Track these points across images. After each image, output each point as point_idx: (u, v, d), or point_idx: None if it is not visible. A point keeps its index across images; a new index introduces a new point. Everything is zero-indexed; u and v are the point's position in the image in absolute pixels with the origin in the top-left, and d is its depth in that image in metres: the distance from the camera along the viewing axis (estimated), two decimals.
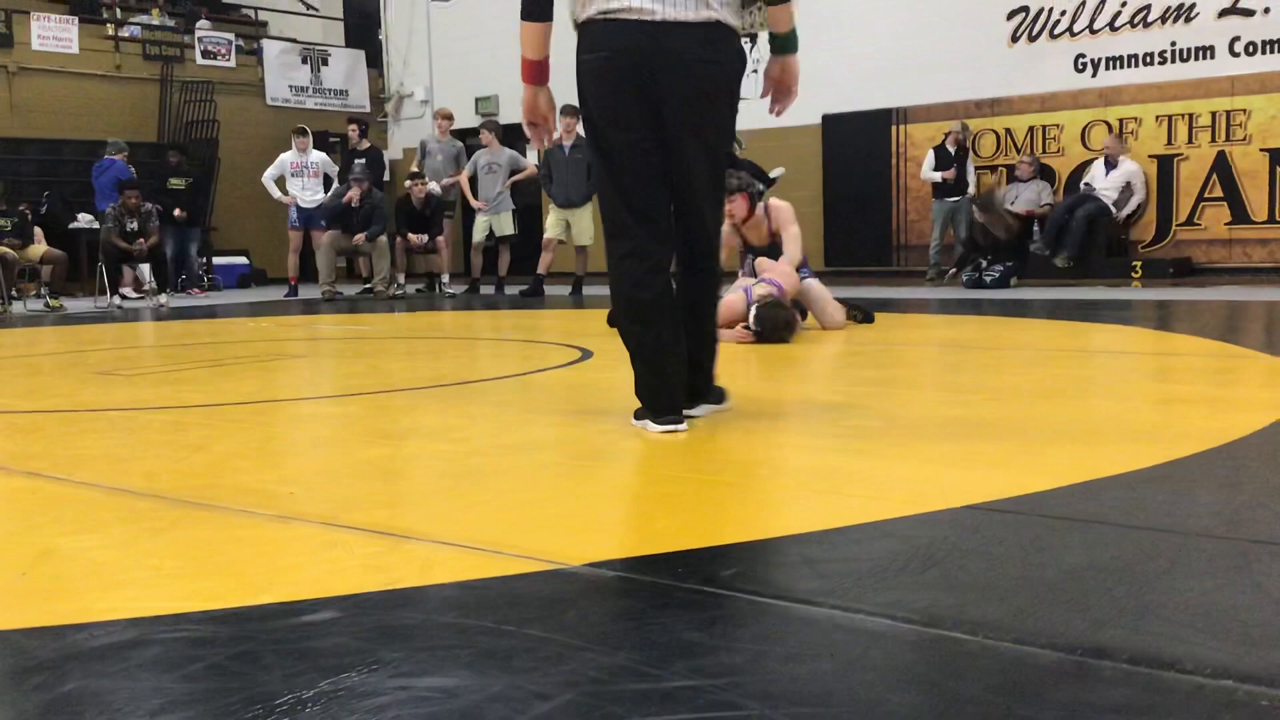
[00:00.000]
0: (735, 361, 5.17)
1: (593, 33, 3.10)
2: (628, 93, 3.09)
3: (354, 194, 11.83)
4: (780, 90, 3.30)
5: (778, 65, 3.27)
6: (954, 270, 11.74)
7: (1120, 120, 11.55)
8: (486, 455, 3.00)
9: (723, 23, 3.08)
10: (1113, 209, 11.21)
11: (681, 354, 3.22)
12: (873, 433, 3.20)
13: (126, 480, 2.68)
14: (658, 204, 3.19)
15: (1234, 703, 1.28)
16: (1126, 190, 11.25)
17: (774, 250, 6.48)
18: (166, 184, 13.50)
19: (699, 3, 3.05)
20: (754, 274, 6.31)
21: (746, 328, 5.82)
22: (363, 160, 12.56)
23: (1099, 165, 11.40)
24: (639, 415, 3.21)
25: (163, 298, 11.58)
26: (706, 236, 3.29)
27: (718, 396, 3.45)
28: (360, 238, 11.85)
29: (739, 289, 6.12)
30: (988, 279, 11.05)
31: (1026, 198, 11.68)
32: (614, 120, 3.14)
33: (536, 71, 3.23)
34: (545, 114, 3.27)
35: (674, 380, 3.20)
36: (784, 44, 3.26)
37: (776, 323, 5.82)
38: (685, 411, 3.23)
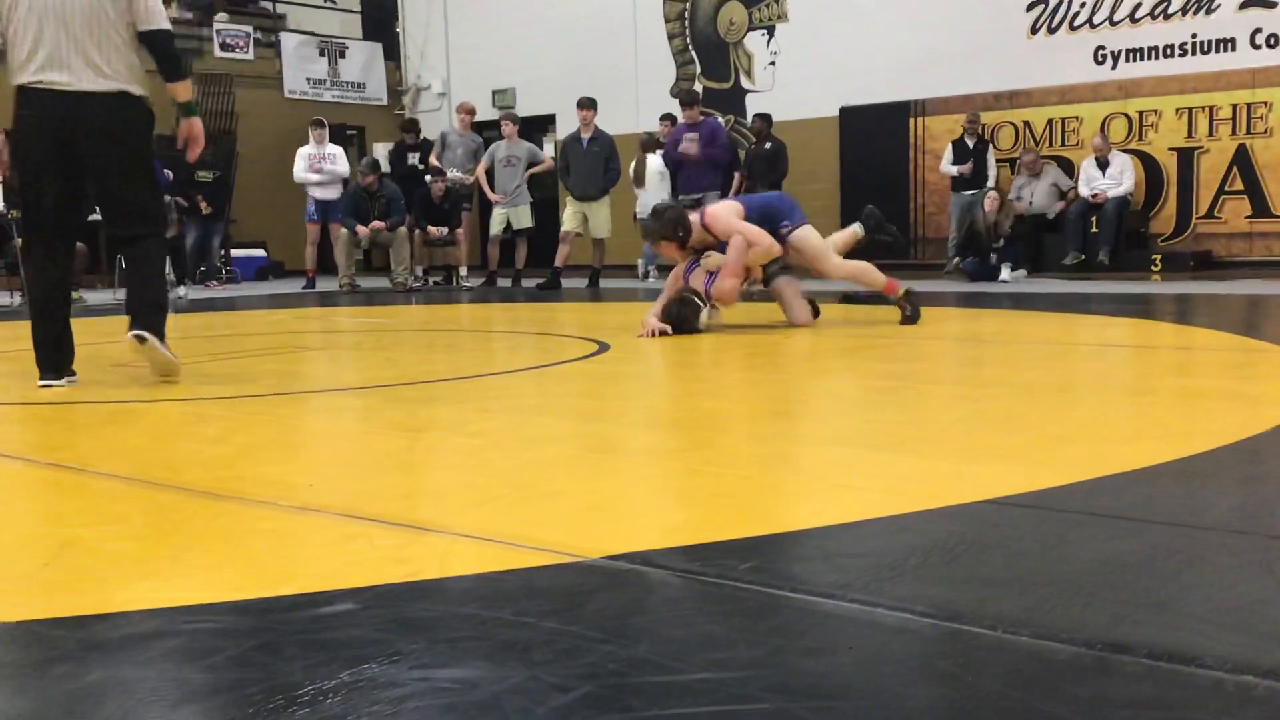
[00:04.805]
0: (753, 355, 5.17)
1: (27, 97, 4.11)
2: (53, 147, 4.12)
3: (370, 180, 11.96)
4: (191, 141, 4.42)
5: (185, 124, 4.40)
6: (955, 259, 11.63)
7: (1140, 113, 11.46)
8: (504, 448, 3.01)
9: (126, 91, 4.15)
10: (1128, 197, 11.16)
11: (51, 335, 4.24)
12: (891, 426, 3.20)
13: (148, 472, 2.70)
14: (64, 228, 4.26)
15: (1254, 698, 1.28)
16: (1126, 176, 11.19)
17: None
18: (194, 175, 13.54)
19: (105, 77, 4.11)
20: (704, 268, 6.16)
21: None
22: (415, 153, 13.04)
23: (1090, 167, 11.29)
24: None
25: (181, 290, 11.62)
26: (128, 219, 4.30)
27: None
28: (379, 224, 11.90)
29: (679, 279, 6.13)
30: (988, 266, 11.00)
31: (1039, 199, 11.60)
32: (42, 166, 4.14)
33: None
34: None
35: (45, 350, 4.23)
36: (186, 110, 4.41)
37: (682, 317, 5.87)
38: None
